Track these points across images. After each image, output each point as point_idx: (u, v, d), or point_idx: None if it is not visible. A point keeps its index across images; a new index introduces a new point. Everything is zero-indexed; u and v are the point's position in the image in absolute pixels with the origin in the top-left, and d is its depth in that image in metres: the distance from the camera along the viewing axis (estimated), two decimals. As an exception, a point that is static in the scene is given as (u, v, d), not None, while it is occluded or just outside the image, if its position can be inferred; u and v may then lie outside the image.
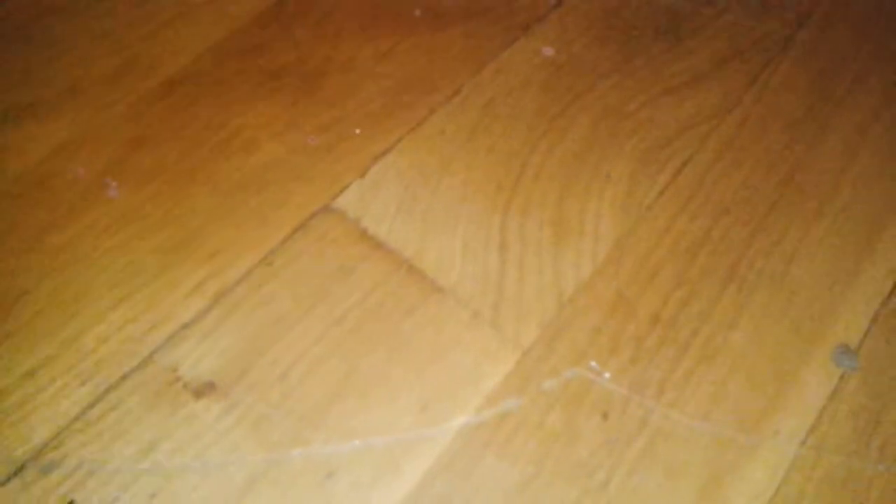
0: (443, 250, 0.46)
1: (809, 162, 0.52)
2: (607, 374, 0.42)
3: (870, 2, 0.61)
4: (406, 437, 0.40)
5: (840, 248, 0.48)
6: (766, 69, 0.57)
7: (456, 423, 0.41)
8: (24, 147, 0.48)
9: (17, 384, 0.39)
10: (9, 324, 0.41)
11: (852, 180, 0.51)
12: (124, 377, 0.40)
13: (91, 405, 0.39)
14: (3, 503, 0.37)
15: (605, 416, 0.41)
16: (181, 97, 0.51)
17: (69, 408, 0.39)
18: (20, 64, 0.52)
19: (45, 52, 0.52)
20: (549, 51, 0.56)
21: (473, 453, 0.40)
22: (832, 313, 0.45)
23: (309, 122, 0.50)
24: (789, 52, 0.58)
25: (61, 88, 0.51)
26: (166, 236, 0.45)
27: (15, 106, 0.50)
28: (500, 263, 0.46)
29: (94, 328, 0.41)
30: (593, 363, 0.43)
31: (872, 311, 0.45)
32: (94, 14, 0.54)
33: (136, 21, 0.54)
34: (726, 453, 0.40)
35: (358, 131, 0.51)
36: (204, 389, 0.40)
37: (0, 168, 0.47)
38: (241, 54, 0.53)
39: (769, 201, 0.49)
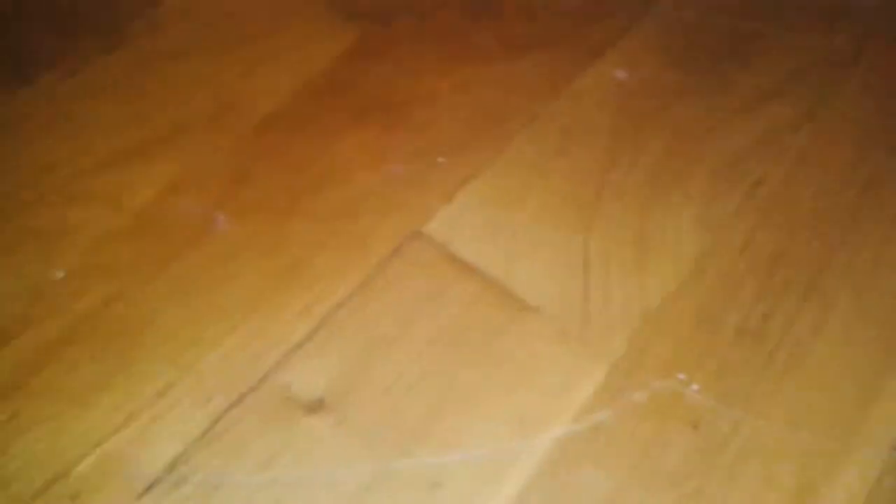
0: (529, 270, 0.49)
1: (884, 172, 0.52)
2: (695, 386, 0.44)
3: (938, 12, 0.62)
4: (505, 448, 0.42)
5: (921, 257, 0.48)
6: (836, 84, 0.58)
7: (551, 435, 0.43)
8: (137, 186, 0.52)
9: (147, 405, 0.43)
10: (137, 350, 0.45)
11: (930, 189, 0.51)
12: (242, 396, 0.43)
13: (214, 423, 0.43)
14: (139, 514, 0.40)
15: (695, 426, 0.43)
16: (278, 133, 0.54)
17: (194, 426, 0.43)
18: (129, 109, 0.56)
19: (149, 98, 0.57)
20: (621, 74, 0.58)
21: (569, 463, 0.42)
22: (917, 322, 0.46)
23: (396, 152, 0.54)
24: (858, 64, 0.59)
25: (167, 130, 0.55)
26: (273, 264, 0.48)
27: (127, 148, 0.54)
28: (585, 281, 0.48)
29: (213, 352, 0.45)
30: (681, 375, 0.44)
31: (957, 319, 0.46)
32: (195, 59, 0.59)
33: (231, 65, 0.59)
34: (817, 461, 0.41)
35: (441, 160, 0.53)
36: (315, 406, 0.43)
37: (119, 205, 0.51)
38: (330, 91, 0.57)
39: (846, 212, 0.50)
